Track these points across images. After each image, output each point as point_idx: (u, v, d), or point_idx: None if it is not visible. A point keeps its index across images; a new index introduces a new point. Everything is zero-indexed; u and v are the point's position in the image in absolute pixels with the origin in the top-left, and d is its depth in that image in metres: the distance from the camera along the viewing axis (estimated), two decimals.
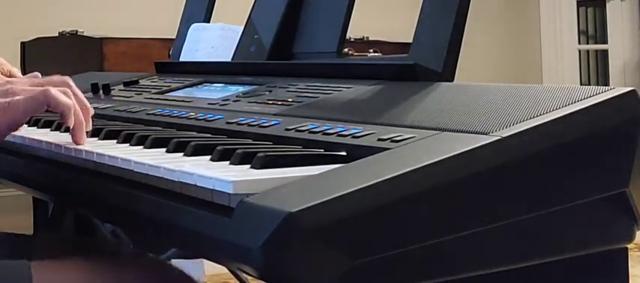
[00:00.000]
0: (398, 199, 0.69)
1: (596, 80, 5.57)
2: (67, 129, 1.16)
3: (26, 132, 1.14)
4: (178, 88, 1.39)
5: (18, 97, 0.97)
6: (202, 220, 0.74)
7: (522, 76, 5.20)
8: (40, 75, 1.21)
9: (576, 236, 0.82)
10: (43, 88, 0.99)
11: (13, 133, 1.05)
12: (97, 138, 1.07)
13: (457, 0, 1.07)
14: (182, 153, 0.90)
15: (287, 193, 0.69)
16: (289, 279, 0.65)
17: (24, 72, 1.30)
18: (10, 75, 1.26)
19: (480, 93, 0.93)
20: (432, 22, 1.09)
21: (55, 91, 0.98)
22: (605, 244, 0.85)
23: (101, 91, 1.48)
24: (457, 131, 0.82)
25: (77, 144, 1.00)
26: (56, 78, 1.04)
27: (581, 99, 0.81)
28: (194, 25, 1.63)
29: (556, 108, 0.80)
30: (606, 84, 5.14)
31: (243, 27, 1.47)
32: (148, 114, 1.23)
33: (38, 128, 1.23)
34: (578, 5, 5.17)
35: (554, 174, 0.78)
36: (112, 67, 3.30)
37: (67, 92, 1.00)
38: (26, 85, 1.01)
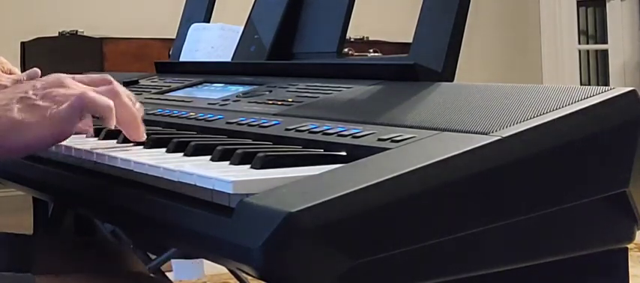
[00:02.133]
0: (398, 199, 0.69)
1: (596, 80, 5.57)
2: None
3: None
4: (178, 88, 1.39)
5: (60, 108, 0.89)
6: (202, 220, 0.75)
7: (522, 76, 5.20)
8: (39, 71, 1.21)
9: (576, 236, 0.82)
10: (78, 93, 0.91)
11: None
12: (97, 138, 1.07)
13: (457, 0, 1.07)
14: (182, 153, 0.90)
15: (287, 193, 0.69)
16: (289, 279, 0.65)
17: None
18: (11, 74, 1.26)
19: (480, 93, 0.93)
20: (432, 22, 1.09)
21: (92, 94, 0.91)
22: (605, 244, 0.85)
23: None
24: (457, 131, 0.82)
25: (137, 140, 0.96)
26: (96, 77, 0.97)
27: (581, 99, 0.81)
28: (194, 25, 1.63)
29: (556, 108, 0.80)
30: (606, 84, 5.14)
31: (243, 27, 1.47)
32: (148, 114, 1.22)
33: None
34: (578, 5, 5.17)
35: (555, 174, 0.78)
36: (112, 67, 3.30)
37: (109, 91, 0.94)
38: (64, 87, 0.93)
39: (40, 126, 0.88)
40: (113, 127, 0.93)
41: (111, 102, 0.91)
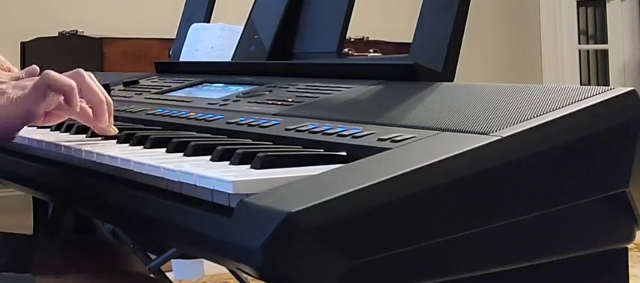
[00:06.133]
0: (398, 199, 0.69)
1: (596, 80, 5.57)
2: (67, 129, 1.17)
3: (26, 132, 1.14)
4: (178, 88, 1.39)
5: (25, 91, 0.98)
6: (202, 220, 0.75)
7: (522, 76, 5.20)
8: (38, 68, 1.22)
9: (576, 236, 0.82)
10: (42, 73, 0.99)
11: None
12: (97, 138, 1.07)
13: (457, 0, 1.07)
14: (182, 153, 0.90)
15: (287, 193, 0.69)
16: (289, 279, 0.65)
17: None
18: (10, 72, 1.26)
19: (480, 93, 0.93)
20: (432, 22, 1.09)
21: (54, 73, 0.98)
22: (605, 244, 0.85)
23: None
24: (457, 131, 0.82)
25: (101, 130, 1.01)
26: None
27: (581, 99, 0.81)
28: (194, 25, 1.63)
29: (556, 108, 0.80)
30: (606, 84, 5.13)
31: (243, 27, 1.47)
32: (147, 114, 1.23)
33: (38, 128, 1.23)
34: (578, 5, 5.17)
35: (554, 174, 0.78)
36: (112, 67, 3.30)
37: (74, 73, 1.00)
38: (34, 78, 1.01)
39: (7, 108, 0.96)
40: (77, 110, 0.99)
41: (73, 82, 0.98)
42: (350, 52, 2.31)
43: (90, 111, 1.03)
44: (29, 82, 0.99)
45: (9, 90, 0.98)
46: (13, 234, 1.27)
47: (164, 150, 0.93)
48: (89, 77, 1.02)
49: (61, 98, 0.99)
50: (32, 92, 0.97)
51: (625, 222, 0.85)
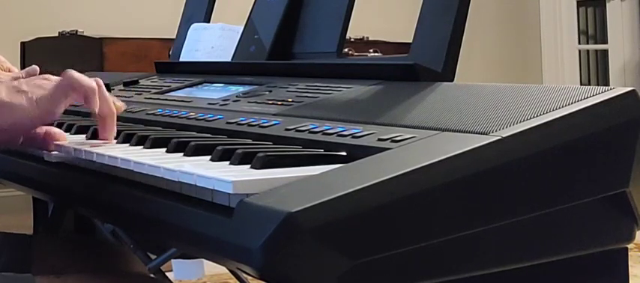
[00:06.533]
0: (398, 199, 0.69)
1: (596, 80, 5.57)
2: (67, 129, 1.17)
3: None
4: (178, 88, 1.39)
5: (44, 90, 0.96)
6: (202, 220, 0.74)
7: (522, 76, 5.20)
8: (38, 68, 1.22)
9: (576, 236, 0.82)
10: (63, 73, 0.97)
11: None
12: (97, 138, 1.07)
13: (457, 0, 1.07)
14: (182, 153, 0.90)
15: (287, 193, 0.69)
16: (289, 279, 0.65)
17: None
18: (10, 72, 1.26)
19: (480, 93, 0.93)
20: (432, 22, 1.09)
21: (76, 73, 0.97)
22: (605, 244, 0.85)
23: None
24: (457, 131, 0.82)
25: (104, 139, 1.00)
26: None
27: (581, 99, 0.81)
28: (194, 25, 1.63)
29: (556, 108, 0.80)
30: (606, 84, 5.13)
31: (243, 27, 1.47)
32: (148, 114, 1.23)
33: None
34: (578, 5, 5.17)
35: (554, 174, 0.78)
36: (112, 67, 3.30)
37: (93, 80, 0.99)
38: (48, 80, 1.00)
39: (28, 109, 0.94)
40: (96, 110, 0.98)
41: (94, 84, 0.97)
42: (350, 52, 2.31)
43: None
44: (45, 81, 0.98)
45: (24, 87, 0.96)
46: (13, 234, 1.27)
47: (164, 150, 0.93)
48: (105, 89, 1.01)
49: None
50: (55, 92, 0.96)
51: (625, 222, 0.85)
